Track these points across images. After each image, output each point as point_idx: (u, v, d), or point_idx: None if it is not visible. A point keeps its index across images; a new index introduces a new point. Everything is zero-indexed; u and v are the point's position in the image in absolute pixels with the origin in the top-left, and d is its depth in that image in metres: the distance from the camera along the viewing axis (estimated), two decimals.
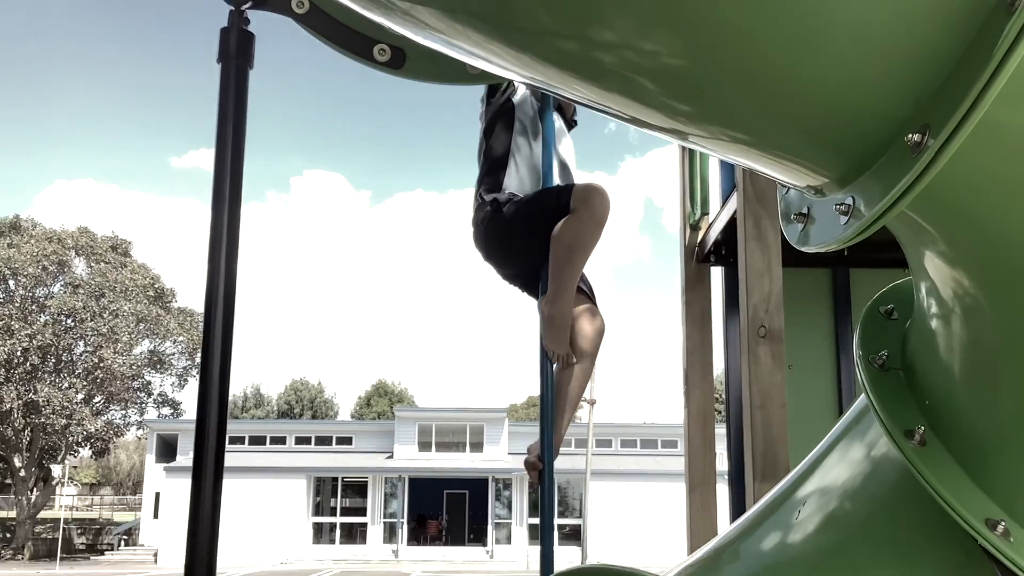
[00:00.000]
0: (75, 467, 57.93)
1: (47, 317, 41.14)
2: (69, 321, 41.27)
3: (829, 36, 0.72)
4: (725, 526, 3.27)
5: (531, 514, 35.48)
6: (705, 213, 5.00)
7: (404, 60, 2.19)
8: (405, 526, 37.35)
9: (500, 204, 3.11)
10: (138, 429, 46.18)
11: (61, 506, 46.37)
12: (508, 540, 36.94)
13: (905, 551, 1.06)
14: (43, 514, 43.30)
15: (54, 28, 74.65)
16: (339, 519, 37.96)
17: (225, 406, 1.80)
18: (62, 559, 35.62)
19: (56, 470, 46.80)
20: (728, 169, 4.45)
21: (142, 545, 39.10)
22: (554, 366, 3.11)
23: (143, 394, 45.69)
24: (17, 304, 40.42)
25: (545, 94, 3.20)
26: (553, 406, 3.07)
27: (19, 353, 39.25)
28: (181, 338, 43.89)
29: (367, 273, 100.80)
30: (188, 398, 45.41)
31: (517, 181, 3.18)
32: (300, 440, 41.55)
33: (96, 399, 43.38)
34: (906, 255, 0.97)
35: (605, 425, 36.96)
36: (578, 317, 3.14)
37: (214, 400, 1.75)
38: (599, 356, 3.26)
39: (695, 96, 0.83)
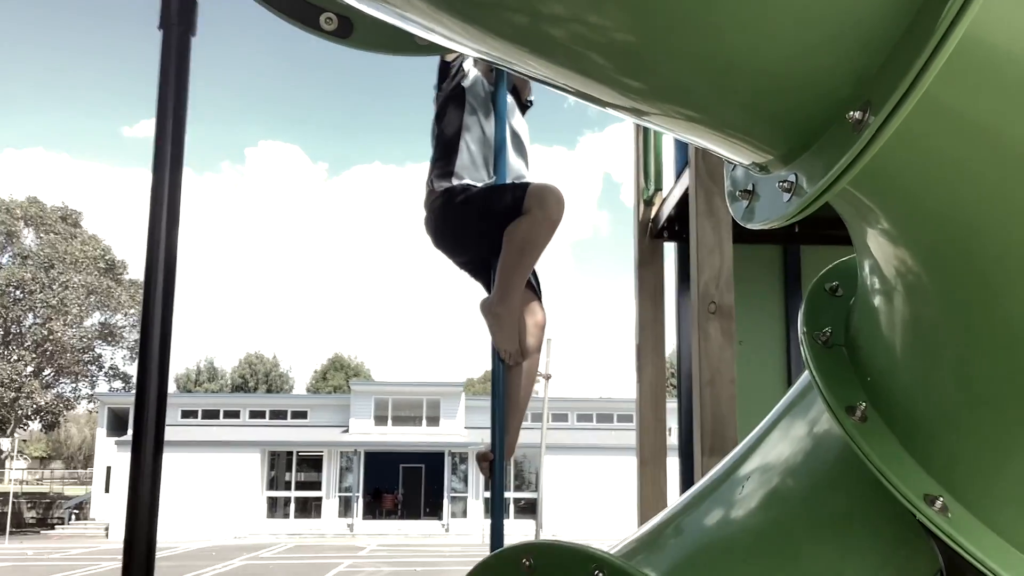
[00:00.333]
0: (25, 440, 57.11)
1: None
2: (18, 292, 40.60)
3: (773, 12, 0.71)
4: (675, 500, 3.30)
5: (487, 488, 35.57)
6: (659, 189, 5.01)
7: (351, 29, 2.15)
8: (361, 500, 37.36)
9: (452, 195, 3.09)
10: (89, 402, 45.68)
11: (10, 480, 45.63)
12: (464, 514, 37.11)
13: (845, 527, 1.08)
14: None
15: None
16: (294, 493, 37.82)
17: (166, 377, 1.77)
18: (11, 533, 35.11)
19: (5, 443, 46.16)
20: (682, 145, 4.47)
21: (93, 519, 38.68)
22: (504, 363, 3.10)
23: (94, 367, 45.19)
24: None
25: (499, 72, 3.18)
26: (503, 405, 3.08)
27: None
28: (133, 311, 43.37)
29: (324, 246, 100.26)
30: None
31: (468, 158, 3.16)
32: (255, 414, 41.18)
33: (46, 372, 42.81)
34: (850, 233, 0.97)
35: (561, 399, 37.14)
36: (524, 314, 3.14)
37: (154, 372, 1.72)
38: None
39: (644, 72, 0.83)
